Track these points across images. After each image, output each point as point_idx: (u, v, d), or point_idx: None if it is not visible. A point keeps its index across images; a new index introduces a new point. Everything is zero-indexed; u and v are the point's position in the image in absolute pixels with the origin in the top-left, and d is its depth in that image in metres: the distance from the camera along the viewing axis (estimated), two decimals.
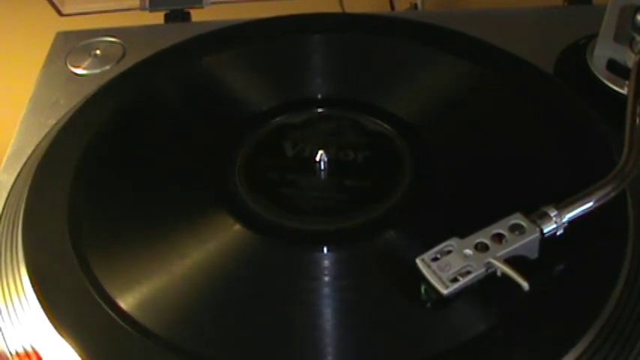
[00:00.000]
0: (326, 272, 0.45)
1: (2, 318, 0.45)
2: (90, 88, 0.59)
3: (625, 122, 0.48)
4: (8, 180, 0.54)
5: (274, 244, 0.46)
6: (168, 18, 0.69)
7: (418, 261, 0.42)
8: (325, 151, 0.51)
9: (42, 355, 0.43)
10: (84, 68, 0.63)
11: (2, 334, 0.44)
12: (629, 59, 0.55)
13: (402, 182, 0.49)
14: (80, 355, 0.41)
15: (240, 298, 0.44)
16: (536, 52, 0.59)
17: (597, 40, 0.57)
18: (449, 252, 0.42)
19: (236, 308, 0.43)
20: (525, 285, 0.40)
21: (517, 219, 0.43)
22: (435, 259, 0.42)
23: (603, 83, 0.57)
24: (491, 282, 0.42)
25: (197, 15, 0.70)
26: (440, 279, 0.41)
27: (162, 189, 0.50)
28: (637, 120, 0.48)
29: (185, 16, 0.69)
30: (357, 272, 0.45)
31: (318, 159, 0.51)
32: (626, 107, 0.49)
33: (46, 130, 0.57)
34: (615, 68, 0.57)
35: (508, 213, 0.43)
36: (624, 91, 0.53)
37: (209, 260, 0.46)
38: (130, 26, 0.67)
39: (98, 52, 0.64)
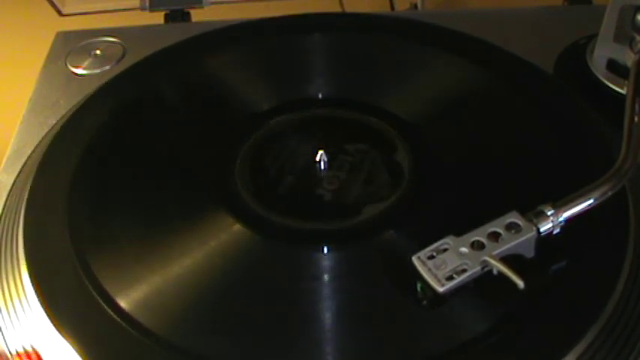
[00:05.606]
0: (326, 272, 0.45)
1: (2, 318, 0.45)
2: (90, 88, 0.59)
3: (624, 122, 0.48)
4: (8, 180, 0.54)
5: (274, 244, 0.46)
6: (168, 18, 0.70)
7: (414, 259, 0.42)
8: (325, 151, 0.51)
9: (42, 355, 0.43)
10: (84, 68, 0.63)
11: (2, 334, 0.44)
12: (628, 59, 0.55)
13: (401, 182, 0.49)
14: (80, 355, 0.41)
15: (240, 298, 0.44)
16: (536, 52, 0.59)
17: (597, 40, 0.57)
18: (445, 250, 0.42)
19: (236, 308, 0.43)
20: (521, 284, 0.40)
21: (513, 217, 0.43)
22: (431, 257, 0.42)
23: (603, 83, 0.57)
24: (491, 282, 0.42)
25: (197, 15, 0.70)
26: (435, 277, 0.41)
27: (162, 189, 0.50)
28: (635, 119, 0.48)
29: (185, 16, 0.69)
30: (357, 272, 0.45)
31: (318, 159, 0.51)
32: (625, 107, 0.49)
33: (46, 130, 0.57)
34: (615, 68, 0.57)
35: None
36: (624, 91, 0.53)
37: (209, 260, 0.46)
38: (130, 26, 0.67)
39: (98, 52, 0.64)
